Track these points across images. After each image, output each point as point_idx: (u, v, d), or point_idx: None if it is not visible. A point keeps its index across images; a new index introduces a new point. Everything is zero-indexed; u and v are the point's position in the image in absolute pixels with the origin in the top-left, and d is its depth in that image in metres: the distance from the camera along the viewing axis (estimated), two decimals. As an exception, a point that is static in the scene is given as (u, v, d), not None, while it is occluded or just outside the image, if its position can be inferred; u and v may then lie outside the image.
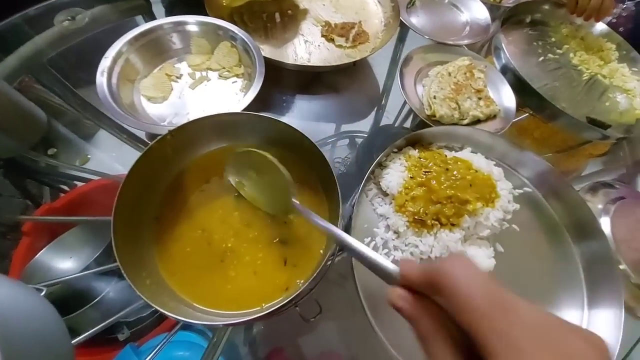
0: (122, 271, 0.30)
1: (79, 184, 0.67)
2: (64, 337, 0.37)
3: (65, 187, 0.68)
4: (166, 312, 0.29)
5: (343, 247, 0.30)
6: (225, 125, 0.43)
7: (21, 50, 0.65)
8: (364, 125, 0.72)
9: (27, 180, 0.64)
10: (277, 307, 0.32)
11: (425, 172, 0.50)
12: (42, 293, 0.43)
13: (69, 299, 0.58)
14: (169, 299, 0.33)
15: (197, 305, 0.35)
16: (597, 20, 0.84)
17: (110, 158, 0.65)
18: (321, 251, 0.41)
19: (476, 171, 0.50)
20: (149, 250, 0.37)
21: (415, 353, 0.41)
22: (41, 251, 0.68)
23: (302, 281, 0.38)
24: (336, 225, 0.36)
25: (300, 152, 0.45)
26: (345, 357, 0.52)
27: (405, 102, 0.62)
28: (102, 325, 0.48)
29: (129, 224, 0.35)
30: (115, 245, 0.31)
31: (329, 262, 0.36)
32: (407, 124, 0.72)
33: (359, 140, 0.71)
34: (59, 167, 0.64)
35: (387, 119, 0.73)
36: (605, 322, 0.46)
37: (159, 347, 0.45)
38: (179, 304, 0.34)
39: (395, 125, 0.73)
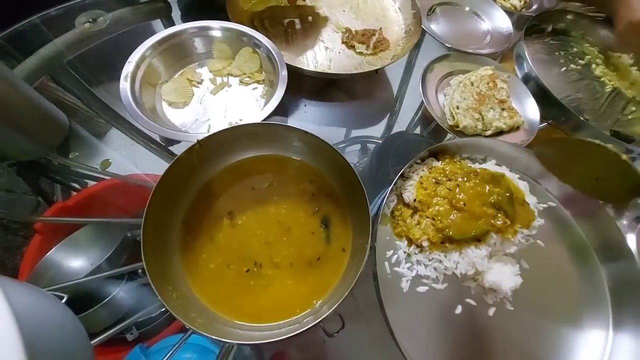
0: (154, 289, 0.29)
1: (90, 182, 0.66)
2: (84, 343, 0.37)
3: (77, 185, 0.68)
4: (197, 330, 0.28)
5: None
6: (252, 135, 0.42)
7: (41, 52, 0.65)
8: (376, 131, 0.71)
9: (40, 178, 0.64)
10: (318, 320, 0.31)
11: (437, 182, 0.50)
12: (64, 300, 0.43)
13: (78, 298, 0.59)
14: (197, 314, 0.32)
15: (228, 319, 0.35)
16: None
17: (121, 157, 0.64)
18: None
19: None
20: (175, 263, 0.37)
21: None
22: (52, 249, 0.68)
23: (331, 291, 0.38)
24: (368, 234, 0.37)
25: (326, 161, 0.45)
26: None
27: (418, 109, 0.61)
28: (118, 327, 0.48)
29: (157, 236, 0.35)
30: (145, 258, 0.31)
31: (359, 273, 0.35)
32: (419, 130, 0.71)
33: (371, 146, 0.70)
34: (71, 165, 0.64)
35: (399, 125, 0.72)
36: (630, 345, 0.45)
37: (171, 351, 0.44)
38: (208, 320, 0.33)
39: (408, 131, 0.72)
